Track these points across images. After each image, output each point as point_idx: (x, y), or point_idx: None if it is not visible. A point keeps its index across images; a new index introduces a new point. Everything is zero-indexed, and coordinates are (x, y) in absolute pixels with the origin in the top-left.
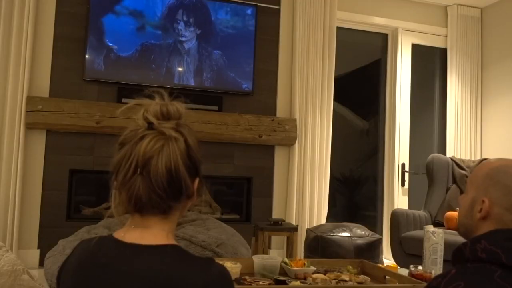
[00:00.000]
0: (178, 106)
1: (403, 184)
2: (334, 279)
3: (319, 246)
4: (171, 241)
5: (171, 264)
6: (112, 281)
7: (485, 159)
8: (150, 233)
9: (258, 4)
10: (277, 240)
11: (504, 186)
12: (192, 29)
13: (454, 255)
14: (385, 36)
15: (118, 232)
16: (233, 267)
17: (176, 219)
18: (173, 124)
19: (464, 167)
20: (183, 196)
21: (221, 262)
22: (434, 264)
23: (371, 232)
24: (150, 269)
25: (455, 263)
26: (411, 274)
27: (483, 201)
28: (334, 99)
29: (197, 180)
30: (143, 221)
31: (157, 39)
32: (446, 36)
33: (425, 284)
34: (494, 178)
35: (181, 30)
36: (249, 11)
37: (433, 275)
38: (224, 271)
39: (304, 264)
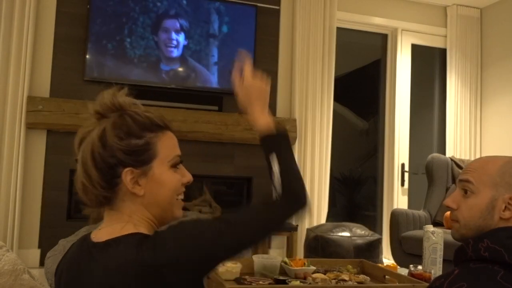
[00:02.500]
0: (104, 99)
1: (402, 184)
2: (334, 279)
3: (319, 246)
4: (126, 232)
5: (121, 254)
6: (86, 284)
7: None
8: (108, 228)
9: (258, 4)
10: (277, 240)
11: None
12: (192, 29)
13: (457, 255)
14: (384, 36)
15: (94, 231)
16: (233, 267)
17: (129, 211)
18: (102, 113)
19: (464, 167)
20: (98, 187)
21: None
22: (433, 263)
23: (371, 232)
24: (107, 265)
25: (458, 263)
26: (410, 274)
27: (510, 198)
28: (334, 99)
29: (125, 171)
30: (104, 216)
31: (158, 39)
32: (445, 36)
33: (425, 283)
34: None
35: (181, 30)
36: (249, 11)
37: (432, 275)
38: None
39: (304, 263)
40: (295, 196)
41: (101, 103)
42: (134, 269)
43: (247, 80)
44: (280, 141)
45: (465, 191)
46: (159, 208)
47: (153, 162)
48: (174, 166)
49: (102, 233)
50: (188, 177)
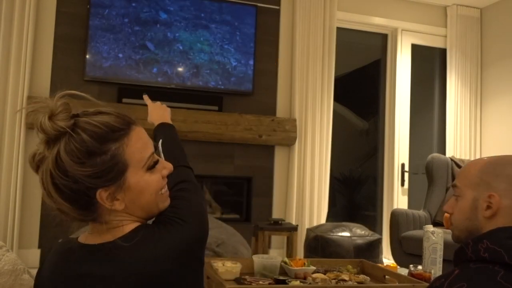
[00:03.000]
0: (44, 122)
1: (402, 184)
2: (334, 279)
3: (319, 245)
4: (133, 227)
5: (133, 253)
6: (81, 285)
7: None
8: (101, 235)
9: (258, 4)
10: (277, 240)
11: (507, 176)
12: (192, 29)
13: (456, 255)
14: (384, 36)
15: (82, 235)
16: (233, 267)
17: (121, 218)
18: (48, 138)
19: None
20: (77, 215)
21: (221, 262)
22: (433, 263)
23: (371, 232)
24: (120, 266)
25: (457, 263)
26: (410, 274)
27: (490, 196)
28: (334, 99)
29: (98, 192)
30: (91, 225)
31: (157, 39)
32: (445, 36)
33: (425, 283)
34: (493, 172)
35: (181, 30)
36: (249, 11)
37: (432, 275)
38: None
39: (304, 263)
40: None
41: (45, 131)
42: (171, 254)
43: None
44: (167, 127)
45: (456, 195)
46: (144, 210)
47: (126, 173)
48: (150, 168)
49: (95, 238)
50: (168, 168)
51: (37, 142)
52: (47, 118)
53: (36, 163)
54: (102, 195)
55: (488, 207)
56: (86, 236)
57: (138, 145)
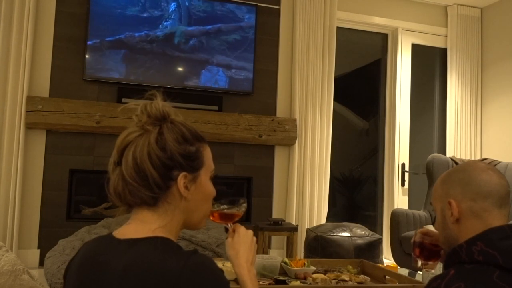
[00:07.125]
0: (158, 106)
1: (403, 184)
2: (334, 279)
3: (319, 246)
4: (159, 234)
5: (151, 255)
6: (105, 277)
7: (485, 159)
8: (137, 227)
9: (258, 4)
10: (277, 240)
11: (459, 180)
12: (192, 29)
13: (450, 257)
14: (385, 36)
15: (117, 229)
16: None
17: (171, 214)
18: (152, 119)
19: None
20: (155, 187)
21: (221, 262)
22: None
23: (371, 232)
24: (132, 262)
25: (450, 265)
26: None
27: (449, 203)
28: (334, 99)
29: (181, 175)
30: (135, 215)
31: (158, 39)
32: (446, 36)
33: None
34: (448, 180)
35: (181, 30)
36: (249, 11)
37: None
38: (203, 261)
39: (304, 264)
40: None
41: (151, 112)
42: (167, 276)
43: (240, 234)
44: None
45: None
46: (196, 216)
47: (201, 170)
48: (211, 178)
49: (130, 231)
50: (215, 191)
51: (131, 125)
52: (160, 103)
53: (127, 140)
54: (182, 178)
55: (452, 213)
56: (123, 228)
57: (210, 155)
